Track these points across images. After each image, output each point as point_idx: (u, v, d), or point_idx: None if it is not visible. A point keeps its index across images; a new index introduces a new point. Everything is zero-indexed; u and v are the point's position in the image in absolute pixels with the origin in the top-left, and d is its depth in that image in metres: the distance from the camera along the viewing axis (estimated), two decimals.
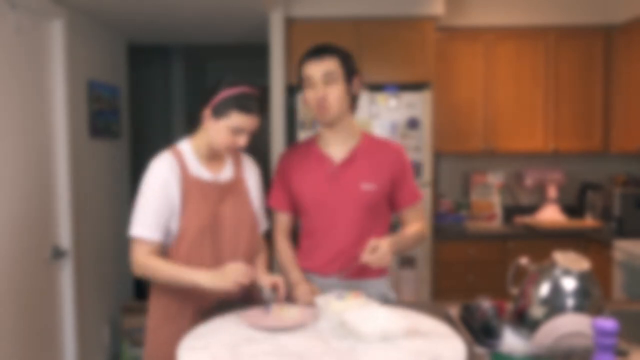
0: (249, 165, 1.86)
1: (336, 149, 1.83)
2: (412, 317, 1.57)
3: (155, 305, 1.77)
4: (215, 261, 1.69)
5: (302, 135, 3.32)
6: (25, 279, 2.53)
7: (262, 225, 1.89)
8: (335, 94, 1.73)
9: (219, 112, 1.64)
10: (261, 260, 1.87)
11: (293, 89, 3.58)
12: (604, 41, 3.73)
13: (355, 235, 1.79)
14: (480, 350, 1.37)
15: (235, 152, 1.76)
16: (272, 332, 1.46)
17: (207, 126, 1.69)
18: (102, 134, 3.38)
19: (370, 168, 1.80)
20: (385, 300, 1.82)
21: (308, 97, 1.77)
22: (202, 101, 1.71)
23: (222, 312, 1.66)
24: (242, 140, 1.67)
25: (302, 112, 3.33)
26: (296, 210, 1.91)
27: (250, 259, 1.78)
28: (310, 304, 1.64)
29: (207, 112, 1.67)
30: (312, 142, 1.89)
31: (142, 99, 4.83)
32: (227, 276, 1.54)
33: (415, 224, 1.88)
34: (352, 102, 1.82)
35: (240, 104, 1.63)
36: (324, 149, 1.84)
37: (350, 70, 1.78)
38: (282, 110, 3.41)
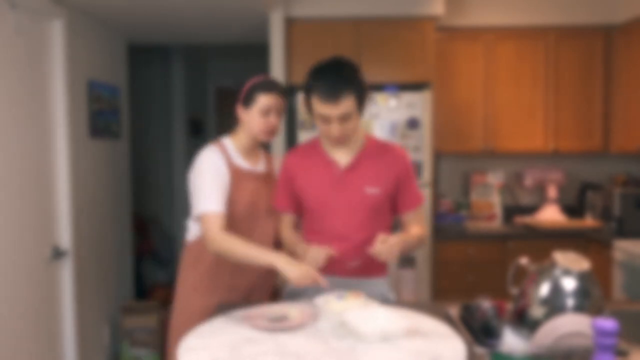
0: (278, 162, 2.04)
1: (341, 153, 1.83)
2: (412, 317, 1.57)
3: (186, 276, 1.92)
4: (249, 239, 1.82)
5: (302, 135, 3.32)
6: (25, 279, 2.53)
7: None
8: (351, 127, 1.73)
9: (248, 101, 1.86)
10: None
11: (293, 89, 3.58)
12: (604, 41, 3.73)
13: (359, 236, 1.80)
14: (480, 350, 1.37)
15: (270, 138, 1.91)
16: (272, 332, 1.46)
17: (242, 120, 1.89)
18: (102, 134, 3.38)
19: (374, 172, 1.81)
20: (384, 301, 1.82)
21: (321, 128, 1.75)
22: (235, 102, 1.92)
23: (222, 312, 1.66)
24: (274, 119, 1.85)
25: (302, 112, 3.33)
26: (299, 211, 1.92)
27: (271, 245, 1.93)
28: (324, 260, 1.68)
29: (239, 107, 1.90)
30: (316, 145, 1.89)
31: (142, 99, 4.83)
32: (302, 271, 1.59)
33: (417, 228, 1.88)
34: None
35: (264, 86, 1.85)
36: (329, 153, 1.84)
37: (363, 98, 1.74)
38: None
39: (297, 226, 1.96)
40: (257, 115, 1.84)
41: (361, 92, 1.73)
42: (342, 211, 1.81)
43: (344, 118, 1.69)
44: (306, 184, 1.84)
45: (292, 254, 1.82)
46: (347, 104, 1.67)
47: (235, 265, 1.81)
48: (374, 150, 1.85)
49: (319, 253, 1.68)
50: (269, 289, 2.02)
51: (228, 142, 1.92)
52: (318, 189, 1.83)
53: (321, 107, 1.68)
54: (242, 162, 1.90)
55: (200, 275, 1.88)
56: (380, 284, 1.89)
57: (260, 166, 1.96)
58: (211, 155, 1.85)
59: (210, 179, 1.80)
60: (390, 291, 1.92)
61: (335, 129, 1.70)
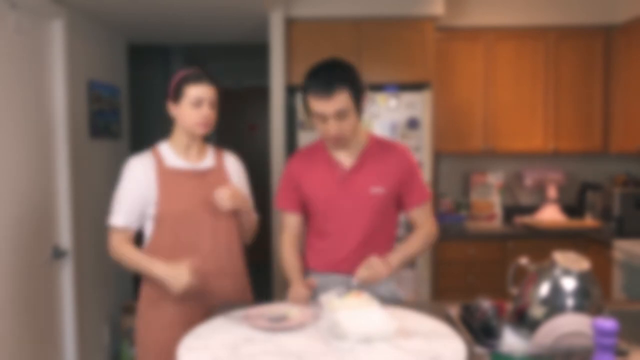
0: (230, 158, 1.98)
1: (345, 154, 1.84)
2: (412, 317, 1.57)
3: (143, 289, 1.87)
4: (194, 244, 1.81)
5: (302, 135, 3.32)
6: (25, 279, 2.53)
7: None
8: (349, 125, 1.71)
9: (177, 95, 1.80)
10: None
11: (293, 89, 3.58)
12: (604, 41, 3.73)
13: (365, 236, 1.82)
14: (480, 350, 1.37)
15: (206, 130, 1.83)
16: (272, 332, 1.46)
17: (175, 116, 1.84)
18: (102, 134, 3.38)
19: (378, 172, 1.81)
20: (394, 300, 1.84)
21: (320, 128, 1.74)
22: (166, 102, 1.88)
23: (222, 312, 1.66)
24: (206, 110, 1.80)
25: (301, 112, 3.33)
26: (303, 212, 1.92)
27: (230, 244, 1.88)
28: (301, 304, 1.66)
29: (170, 105, 1.84)
30: (320, 146, 1.89)
31: (142, 99, 4.83)
32: (179, 276, 1.68)
33: (422, 228, 1.89)
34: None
35: (191, 78, 1.79)
36: (333, 154, 1.85)
37: (359, 96, 1.72)
38: (282, 110, 3.40)
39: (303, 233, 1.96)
40: (188, 108, 1.79)
41: (356, 88, 1.70)
42: (347, 212, 1.82)
43: (339, 115, 1.67)
44: (311, 185, 1.84)
45: (284, 272, 1.85)
46: (341, 99, 1.65)
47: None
48: (377, 150, 1.85)
49: (299, 293, 1.69)
50: (242, 294, 1.94)
51: (164, 145, 1.88)
52: (324, 190, 1.83)
53: (316, 104, 1.68)
54: (179, 162, 1.85)
55: (156, 287, 1.80)
56: (388, 282, 1.89)
57: (205, 163, 1.89)
58: (133, 164, 1.82)
59: (124, 191, 1.80)
60: (398, 289, 1.93)
61: (332, 126, 1.69)
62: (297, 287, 1.72)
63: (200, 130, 1.81)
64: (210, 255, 1.83)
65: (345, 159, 1.83)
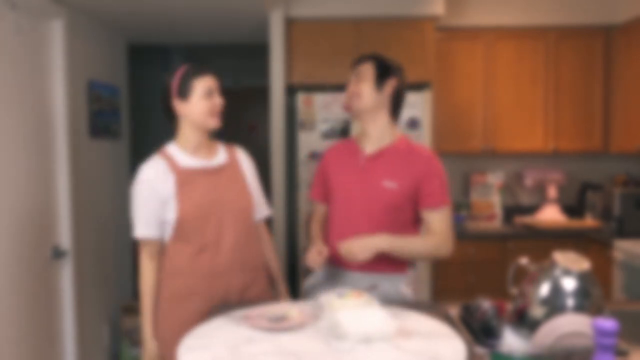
0: (241, 154, 1.99)
1: (370, 145, 1.93)
2: (412, 317, 1.57)
3: (169, 283, 1.85)
4: (216, 242, 1.80)
5: (302, 135, 3.32)
6: (25, 279, 2.53)
7: (264, 211, 2.02)
8: (363, 89, 1.88)
9: (184, 91, 1.78)
10: (274, 263, 2.05)
11: (293, 89, 3.58)
12: (604, 41, 3.73)
13: (373, 230, 1.84)
14: (480, 350, 1.37)
15: (218, 121, 1.84)
16: (272, 332, 1.46)
17: (182, 114, 1.81)
18: (102, 134, 3.38)
19: (395, 167, 1.87)
20: (400, 299, 1.85)
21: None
22: (163, 101, 1.84)
23: (222, 312, 1.66)
24: (218, 99, 1.83)
25: (301, 112, 3.33)
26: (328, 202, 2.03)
27: (250, 240, 1.89)
28: (316, 265, 1.77)
29: (175, 102, 1.81)
30: (351, 140, 2.03)
31: (142, 99, 4.83)
32: (149, 352, 1.81)
33: (433, 235, 1.87)
34: (390, 105, 1.93)
35: (196, 71, 1.80)
36: (359, 144, 1.95)
37: (383, 73, 1.90)
38: (282, 111, 3.40)
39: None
40: (200, 100, 1.78)
41: (382, 68, 1.91)
42: (360, 202, 1.88)
43: (358, 77, 1.91)
44: (336, 171, 1.96)
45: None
46: (364, 65, 1.92)
47: (211, 271, 1.81)
48: (402, 149, 1.91)
49: (313, 260, 1.79)
50: (262, 288, 1.95)
51: (171, 147, 1.85)
52: (344, 176, 1.93)
53: (350, 72, 1.96)
54: (191, 161, 1.83)
55: (177, 284, 1.81)
56: (397, 280, 1.90)
57: (218, 159, 1.88)
58: (145, 169, 1.80)
59: (140, 201, 1.78)
60: (407, 289, 1.93)
61: (352, 86, 1.92)
62: (312, 252, 1.80)
63: (213, 122, 1.83)
64: (232, 251, 1.82)
65: (369, 148, 1.93)
